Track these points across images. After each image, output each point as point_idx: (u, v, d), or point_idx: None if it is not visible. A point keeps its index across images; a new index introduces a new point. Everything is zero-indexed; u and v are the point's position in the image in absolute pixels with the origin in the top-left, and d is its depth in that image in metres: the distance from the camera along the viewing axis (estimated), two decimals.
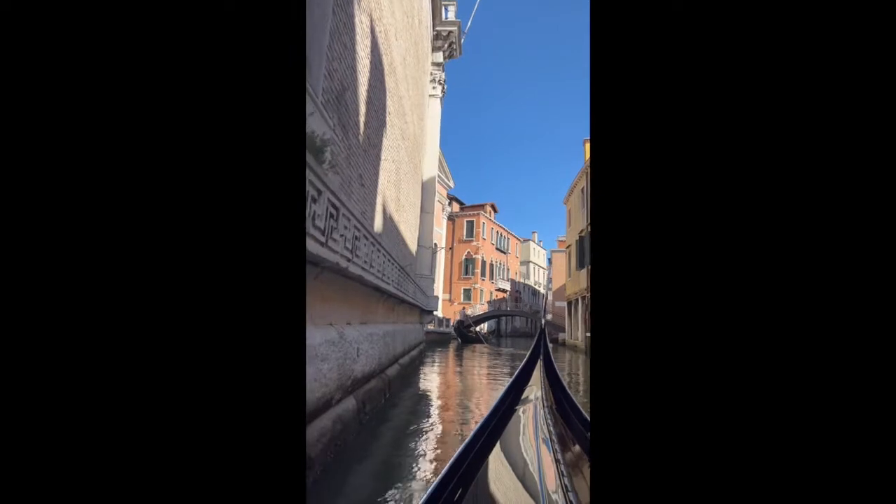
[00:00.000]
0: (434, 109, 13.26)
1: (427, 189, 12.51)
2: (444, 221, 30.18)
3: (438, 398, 5.73)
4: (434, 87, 13.28)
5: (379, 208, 5.88)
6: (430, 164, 12.78)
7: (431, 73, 13.23)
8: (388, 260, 5.16)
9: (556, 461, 1.04)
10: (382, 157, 6.03)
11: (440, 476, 0.92)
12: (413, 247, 10.75)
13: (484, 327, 26.64)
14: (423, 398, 5.55)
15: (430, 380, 7.49)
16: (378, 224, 5.92)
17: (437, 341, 18.21)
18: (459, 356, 13.31)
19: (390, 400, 4.96)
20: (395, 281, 5.74)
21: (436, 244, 25.20)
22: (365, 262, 3.54)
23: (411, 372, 7.74)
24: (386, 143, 6.24)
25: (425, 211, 12.39)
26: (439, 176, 26.23)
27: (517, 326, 34.74)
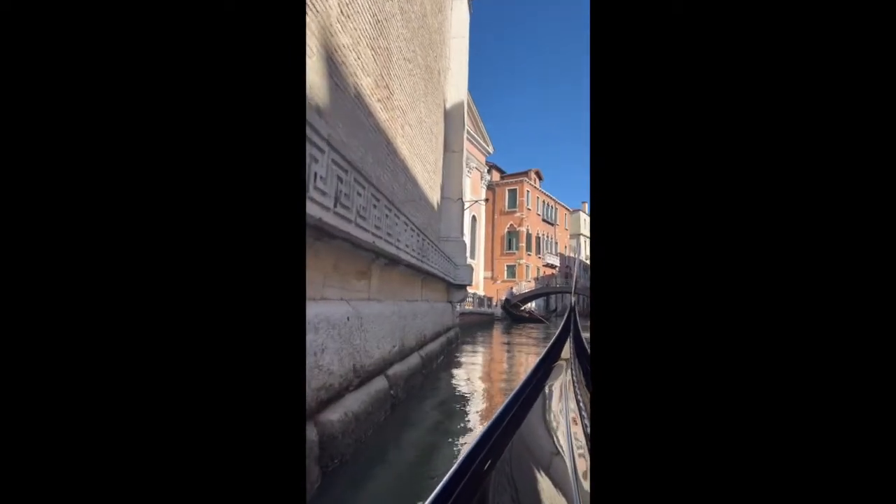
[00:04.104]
0: (461, 12, 9.74)
1: (453, 119, 9.13)
2: (483, 191, 26.64)
3: None
4: None
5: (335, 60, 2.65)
6: (457, 86, 9.36)
7: None
8: (344, 165, 1.95)
9: (587, 435, 1.08)
10: None
11: (469, 448, 0.91)
12: (433, 195, 7.50)
13: (532, 305, 23.44)
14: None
15: (450, 410, 4.27)
16: (325, 97, 2.70)
17: (476, 324, 15.31)
18: (507, 346, 10.08)
19: None
20: (361, 209, 2.53)
21: (474, 216, 22.09)
22: None
23: (421, 384, 4.58)
24: None
25: (451, 150, 9.05)
26: (475, 137, 22.70)
27: (567, 305, 31.15)
